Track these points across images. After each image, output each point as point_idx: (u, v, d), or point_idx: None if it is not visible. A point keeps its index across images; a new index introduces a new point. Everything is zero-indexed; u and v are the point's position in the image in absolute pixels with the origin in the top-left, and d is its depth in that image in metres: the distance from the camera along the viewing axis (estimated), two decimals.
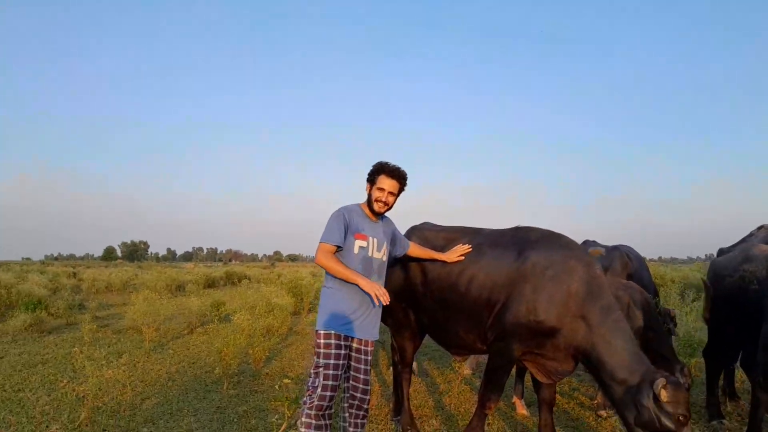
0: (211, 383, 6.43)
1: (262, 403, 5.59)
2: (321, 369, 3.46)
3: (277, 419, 4.47)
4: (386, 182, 3.68)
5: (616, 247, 7.84)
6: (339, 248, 3.59)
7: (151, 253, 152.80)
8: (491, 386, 3.94)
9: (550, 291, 3.70)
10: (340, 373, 3.50)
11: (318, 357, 3.50)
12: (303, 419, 3.44)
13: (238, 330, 6.87)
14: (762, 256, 4.68)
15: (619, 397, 3.50)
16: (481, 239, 4.28)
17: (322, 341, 3.51)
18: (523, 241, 4.03)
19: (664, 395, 3.27)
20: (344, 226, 3.60)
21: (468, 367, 7.19)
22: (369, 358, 3.68)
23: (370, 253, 3.69)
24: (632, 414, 3.40)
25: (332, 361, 3.47)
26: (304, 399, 3.48)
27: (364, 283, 3.46)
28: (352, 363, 3.65)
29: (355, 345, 3.63)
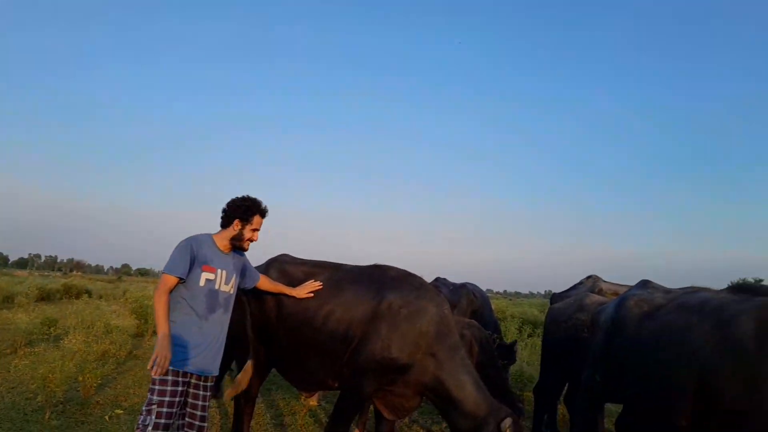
0: (31, 412, 5.90)
1: None
2: (154, 407, 3.32)
3: None
4: (259, 222, 3.74)
5: (463, 285, 8.36)
6: (182, 280, 3.49)
7: None
8: (341, 424, 4.05)
9: (404, 330, 3.95)
10: (174, 410, 3.38)
11: (152, 394, 3.35)
12: None
13: (68, 354, 6.40)
14: (592, 306, 5.24)
15: (465, 430, 3.85)
16: (341, 275, 4.40)
17: (155, 378, 3.33)
18: (380, 280, 4.25)
19: None
20: (190, 257, 3.51)
21: (314, 399, 7.20)
22: (208, 393, 3.60)
23: (217, 286, 3.61)
24: None
25: (167, 399, 3.34)
26: None
27: (160, 342, 3.31)
28: (190, 399, 3.52)
29: (193, 381, 3.52)
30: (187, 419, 3.53)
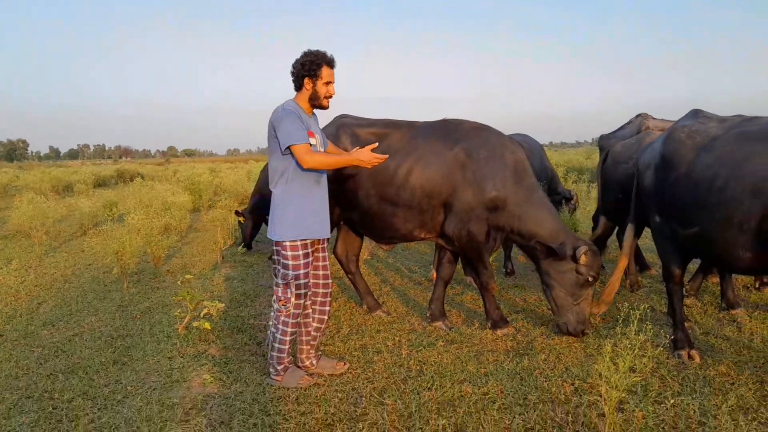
0: (110, 283, 6.43)
1: (165, 298, 5.70)
2: (291, 281, 3.44)
3: (180, 313, 4.62)
4: (329, 74, 3.50)
5: (509, 138, 8.31)
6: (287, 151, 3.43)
7: (32, 153, 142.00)
8: (483, 268, 4.47)
9: (488, 172, 4.28)
10: (308, 280, 3.54)
11: (286, 269, 3.44)
12: (280, 327, 3.50)
13: (133, 230, 6.80)
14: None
15: (544, 258, 4.30)
16: (415, 132, 4.51)
17: (289, 253, 3.43)
18: (455, 132, 4.46)
19: (583, 259, 4.13)
20: (302, 124, 3.43)
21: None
22: (326, 254, 3.75)
23: (318, 150, 3.59)
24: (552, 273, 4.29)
25: (302, 271, 3.45)
26: (278, 309, 3.51)
27: (355, 156, 3.50)
28: (312, 262, 3.62)
29: (315, 245, 3.64)
30: (312, 280, 3.67)
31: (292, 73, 3.52)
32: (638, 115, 6.63)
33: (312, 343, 3.76)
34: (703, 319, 4.68)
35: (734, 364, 3.73)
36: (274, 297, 3.56)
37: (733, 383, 3.46)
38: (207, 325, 4.31)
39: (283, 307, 3.48)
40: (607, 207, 5.84)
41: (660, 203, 3.98)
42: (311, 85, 3.49)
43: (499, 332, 4.42)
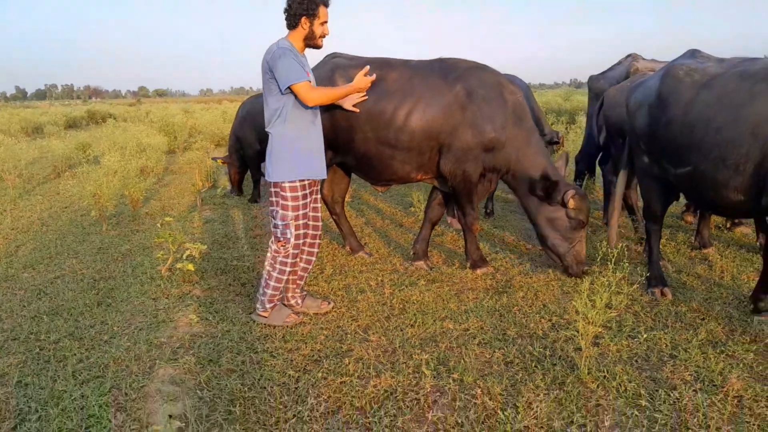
0: (88, 226, 6.37)
1: (145, 241, 5.68)
2: (290, 221, 3.46)
3: (162, 255, 4.62)
4: (325, 13, 3.45)
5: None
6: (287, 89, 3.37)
7: None
8: (470, 209, 4.51)
9: (489, 113, 4.26)
10: (308, 219, 3.60)
11: (286, 210, 3.45)
12: (278, 266, 3.53)
13: (110, 172, 6.69)
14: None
15: (535, 205, 4.41)
16: (411, 72, 4.40)
17: (288, 194, 3.44)
18: (453, 71, 4.39)
19: (572, 203, 4.21)
20: (299, 63, 3.39)
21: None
22: (317, 195, 3.77)
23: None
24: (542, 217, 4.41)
25: (301, 211, 3.49)
26: (276, 249, 3.52)
27: (352, 86, 3.68)
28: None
29: (309, 187, 3.61)
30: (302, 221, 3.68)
31: (287, 11, 3.42)
32: (628, 56, 6.52)
33: (298, 282, 3.81)
34: (675, 258, 4.83)
35: (705, 301, 3.88)
36: (272, 238, 3.56)
37: (703, 319, 3.61)
38: (190, 267, 4.32)
39: (282, 248, 3.50)
40: (607, 153, 5.85)
41: (652, 142, 3.93)
42: (308, 24, 3.42)
43: (478, 271, 4.52)
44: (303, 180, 3.47)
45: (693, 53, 4.00)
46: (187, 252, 4.45)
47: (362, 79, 3.61)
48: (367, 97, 4.10)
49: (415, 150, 4.33)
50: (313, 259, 3.84)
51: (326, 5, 3.45)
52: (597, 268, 4.43)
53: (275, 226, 3.52)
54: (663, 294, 3.98)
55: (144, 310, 3.92)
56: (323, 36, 3.50)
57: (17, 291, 4.34)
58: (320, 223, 3.80)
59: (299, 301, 3.81)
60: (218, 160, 8.20)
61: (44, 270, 4.83)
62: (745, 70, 3.43)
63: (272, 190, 3.51)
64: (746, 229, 5.47)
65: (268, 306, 3.62)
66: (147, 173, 9.17)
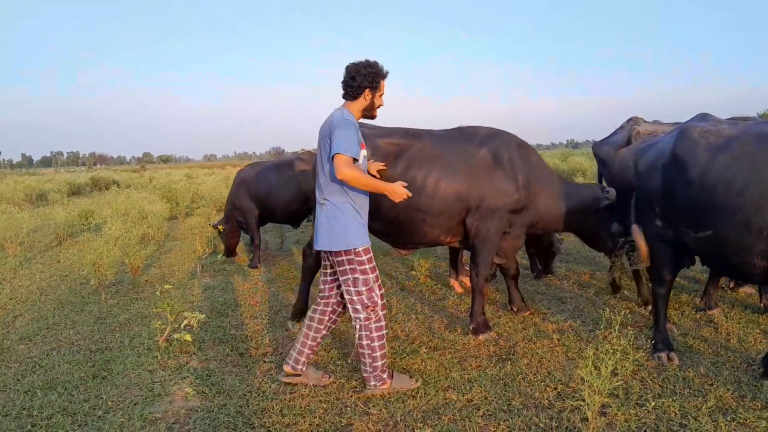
0: (87, 295, 6.32)
1: (144, 309, 5.63)
2: (373, 284, 3.46)
3: (160, 324, 4.56)
4: (384, 85, 3.58)
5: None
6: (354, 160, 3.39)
7: (3, 160, 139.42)
8: (485, 270, 4.61)
9: (513, 175, 4.53)
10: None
11: (366, 274, 3.44)
12: (374, 335, 3.48)
13: (110, 240, 6.70)
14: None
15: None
16: (435, 141, 4.59)
17: (364, 257, 3.44)
18: (475, 138, 4.64)
19: (612, 193, 4.75)
20: (358, 137, 3.43)
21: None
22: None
23: (366, 163, 3.66)
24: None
25: (377, 272, 3.51)
26: (366, 317, 3.46)
27: (390, 188, 3.47)
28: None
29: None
30: (335, 290, 3.70)
31: (349, 83, 3.47)
32: (629, 120, 6.50)
33: (315, 349, 3.75)
34: (680, 320, 4.76)
35: (712, 365, 3.79)
36: (358, 307, 3.45)
37: (711, 384, 3.52)
38: (188, 337, 4.26)
39: (372, 313, 3.46)
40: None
41: (667, 205, 3.83)
42: (371, 96, 3.51)
43: (481, 337, 4.44)
44: (369, 245, 3.53)
45: (704, 116, 3.97)
46: (185, 321, 4.40)
47: (399, 188, 3.49)
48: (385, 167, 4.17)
49: (445, 214, 4.47)
50: (333, 327, 3.81)
51: (385, 78, 3.57)
52: (601, 333, 4.35)
53: (358, 293, 3.44)
54: (670, 359, 3.90)
55: (140, 383, 3.83)
56: (380, 107, 3.60)
57: (12, 364, 4.26)
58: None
59: (303, 368, 3.73)
60: (218, 227, 8.24)
61: (40, 341, 4.76)
62: (762, 132, 3.40)
63: (341, 259, 3.43)
64: (750, 290, 5.42)
65: (385, 377, 3.54)
66: (148, 240, 9.17)
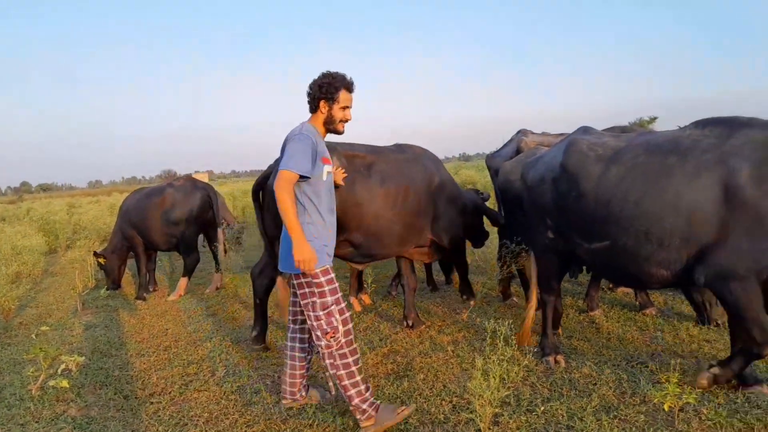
0: None
1: (16, 355, 5.15)
2: (332, 306, 3.18)
3: (34, 371, 4.18)
4: (347, 98, 3.35)
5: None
6: (303, 178, 3.16)
7: None
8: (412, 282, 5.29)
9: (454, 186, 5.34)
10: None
11: (324, 296, 3.18)
12: (339, 363, 3.17)
13: None
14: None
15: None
16: (394, 157, 4.89)
17: (323, 279, 3.18)
18: (412, 153, 5.09)
19: None
20: (313, 152, 3.18)
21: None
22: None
23: (332, 177, 3.47)
24: None
25: (339, 294, 3.24)
26: (327, 344, 3.16)
27: (299, 245, 3.05)
28: None
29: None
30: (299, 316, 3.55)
31: (309, 94, 3.35)
32: (518, 132, 6.68)
33: (305, 374, 3.64)
34: (565, 323, 4.98)
35: (596, 365, 3.98)
36: (318, 333, 3.19)
37: (595, 384, 3.69)
38: (65, 383, 3.93)
39: (332, 339, 3.16)
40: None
41: (560, 218, 3.91)
42: (327, 108, 3.32)
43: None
44: (331, 264, 3.30)
45: (586, 129, 4.09)
46: (62, 365, 4.06)
47: (308, 252, 3.07)
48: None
49: (408, 225, 4.80)
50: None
51: (349, 90, 3.35)
52: (489, 344, 4.45)
53: (317, 318, 3.18)
54: (557, 362, 4.05)
55: None
56: (344, 121, 3.38)
57: None
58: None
59: (303, 394, 3.62)
60: (99, 257, 7.75)
61: None
62: (649, 143, 3.52)
63: (300, 281, 3.22)
64: (627, 289, 5.77)
65: (368, 409, 3.23)
66: (22, 278, 8.48)
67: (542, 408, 3.33)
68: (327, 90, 3.29)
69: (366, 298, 6.22)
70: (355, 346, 3.25)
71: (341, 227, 4.32)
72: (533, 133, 6.54)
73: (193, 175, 10.21)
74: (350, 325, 3.24)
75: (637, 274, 3.53)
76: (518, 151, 6.06)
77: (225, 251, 7.65)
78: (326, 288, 3.20)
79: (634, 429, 3.08)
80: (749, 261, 3.08)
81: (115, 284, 7.82)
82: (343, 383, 3.18)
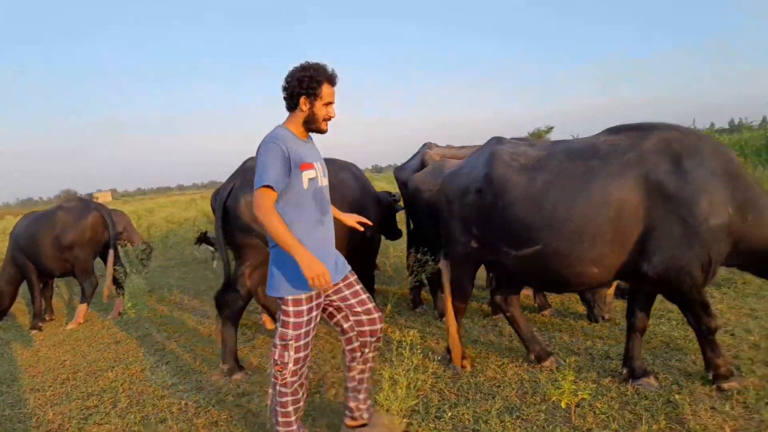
0: None
1: None
2: (291, 341, 2.89)
3: None
4: (330, 93, 2.95)
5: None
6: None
7: None
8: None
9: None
10: (311, 338, 2.97)
11: (286, 327, 2.90)
12: (277, 398, 2.95)
13: None
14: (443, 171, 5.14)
15: None
16: (335, 167, 4.94)
17: (291, 309, 2.89)
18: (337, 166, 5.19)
19: None
20: (285, 160, 2.83)
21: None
22: (359, 286, 3.15)
23: (320, 183, 3.02)
24: None
25: (303, 330, 2.90)
26: (273, 374, 2.95)
27: (306, 262, 2.72)
28: (344, 304, 3.10)
29: (336, 288, 3.09)
30: (352, 318, 3.12)
31: (285, 89, 2.96)
32: (423, 145, 6.82)
33: (368, 388, 3.26)
34: (471, 328, 5.15)
35: (499, 368, 4.15)
36: (271, 360, 2.99)
37: (499, 386, 3.85)
38: None
39: (279, 373, 2.92)
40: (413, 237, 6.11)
41: (486, 228, 3.96)
42: (308, 105, 2.93)
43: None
44: (310, 292, 2.93)
45: (500, 140, 4.21)
46: None
47: (319, 266, 2.76)
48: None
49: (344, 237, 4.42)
50: (371, 354, 3.22)
51: (332, 84, 2.98)
52: (394, 356, 4.50)
53: (274, 345, 2.95)
54: (463, 366, 4.18)
55: None
56: (328, 119, 3.00)
57: None
58: (377, 315, 3.17)
59: (365, 415, 3.25)
60: None
61: None
62: (569, 149, 3.75)
63: (278, 303, 3.00)
64: (527, 291, 6.02)
65: None
66: None
67: (450, 414, 3.43)
68: (308, 84, 2.90)
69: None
70: (297, 389, 2.98)
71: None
72: (437, 146, 6.74)
73: (95, 195, 9.74)
74: (301, 367, 2.96)
75: (568, 276, 3.70)
76: (423, 164, 6.22)
77: (114, 274, 7.16)
78: (291, 320, 2.90)
79: (535, 428, 3.25)
80: (682, 246, 3.37)
81: (1, 314, 7.35)
82: (276, 417, 3.01)
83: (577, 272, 3.65)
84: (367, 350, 3.16)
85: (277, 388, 2.94)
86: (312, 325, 2.95)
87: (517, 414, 3.42)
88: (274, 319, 6.02)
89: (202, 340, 5.71)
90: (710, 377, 3.57)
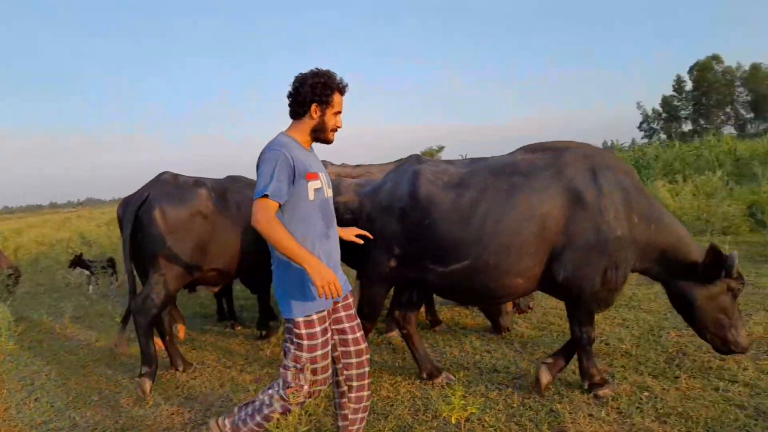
0: None
1: None
2: (306, 364, 2.73)
3: None
4: (340, 102, 2.84)
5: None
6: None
7: None
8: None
9: None
10: (329, 362, 2.82)
11: (299, 350, 2.73)
12: (257, 417, 2.81)
13: None
14: (350, 188, 5.05)
15: None
16: (236, 186, 5.16)
17: (303, 331, 2.72)
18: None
19: None
20: (290, 171, 2.67)
21: None
22: (353, 311, 3.00)
23: (326, 195, 2.88)
24: None
25: (319, 352, 2.75)
26: (279, 397, 2.80)
27: (314, 269, 2.58)
28: (337, 326, 2.95)
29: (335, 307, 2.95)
30: (340, 350, 2.96)
31: (292, 96, 2.80)
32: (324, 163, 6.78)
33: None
34: None
35: (392, 386, 4.17)
36: (280, 381, 2.82)
37: (392, 405, 3.87)
38: None
39: (292, 395, 2.75)
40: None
41: (410, 246, 3.94)
42: (319, 113, 2.80)
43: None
44: (321, 311, 2.79)
45: (419, 158, 4.23)
46: None
47: (329, 273, 2.64)
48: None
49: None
50: (364, 404, 3.07)
51: (342, 93, 2.86)
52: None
53: (285, 368, 2.80)
54: None
55: None
56: (336, 129, 2.90)
57: None
58: (364, 345, 3.04)
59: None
60: None
61: None
62: (490, 167, 3.90)
63: (287, 325, 2.84)
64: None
65: None
66: None
67: None
68: (321, 91, 2.78)
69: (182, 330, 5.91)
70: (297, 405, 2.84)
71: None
72: (333, 165, 6.72)
73: None
74: (319, 391, 2.88)
75: (495, 288, 3.81)
76: None
77: None
78: (305, 342, 2.76)
79: None
80: (593, 252, 3.61)
81: None
82: (253, 420, 2.86)
83: (504, 284, 3.78)
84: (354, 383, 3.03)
85: (276, 405, 2.82)
86: (328, 348, 2.84)
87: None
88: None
89: (76, 373, 5.28)
90: (585, 386, 3.78)
